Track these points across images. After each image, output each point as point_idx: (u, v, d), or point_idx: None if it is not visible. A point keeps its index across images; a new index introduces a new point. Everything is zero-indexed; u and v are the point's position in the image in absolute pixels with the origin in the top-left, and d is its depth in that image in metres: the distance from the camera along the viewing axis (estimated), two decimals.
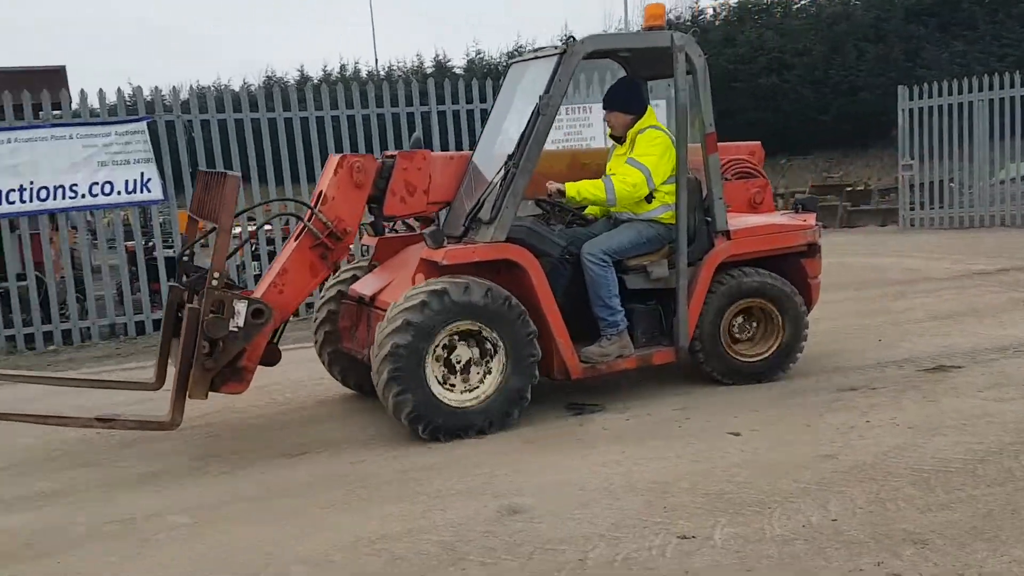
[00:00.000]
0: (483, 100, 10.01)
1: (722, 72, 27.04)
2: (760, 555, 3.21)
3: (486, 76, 15.27)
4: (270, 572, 3.31)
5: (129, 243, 9.25)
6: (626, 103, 5.40)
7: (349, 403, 5.70)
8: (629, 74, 5.79)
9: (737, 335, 5.55)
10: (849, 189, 18.31)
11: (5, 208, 8.32)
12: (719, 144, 5.48)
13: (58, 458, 4.88)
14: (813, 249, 5.74)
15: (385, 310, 4.78)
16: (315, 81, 28.79)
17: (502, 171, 4.99)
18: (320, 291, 5.81)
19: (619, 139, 5.45)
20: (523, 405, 4.90)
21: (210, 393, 4.63)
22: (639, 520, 3.57)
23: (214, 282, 4.50)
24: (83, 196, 8.48)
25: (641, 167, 5.17)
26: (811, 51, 25.93)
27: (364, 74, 35.50)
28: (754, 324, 5.60)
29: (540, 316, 4.94)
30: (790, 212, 6.13)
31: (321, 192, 5.05)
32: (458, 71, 32.91)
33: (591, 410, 5.17)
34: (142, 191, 8.68)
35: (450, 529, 3.59)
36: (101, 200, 8.59)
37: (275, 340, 5.04)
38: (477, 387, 4.84)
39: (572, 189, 5.11)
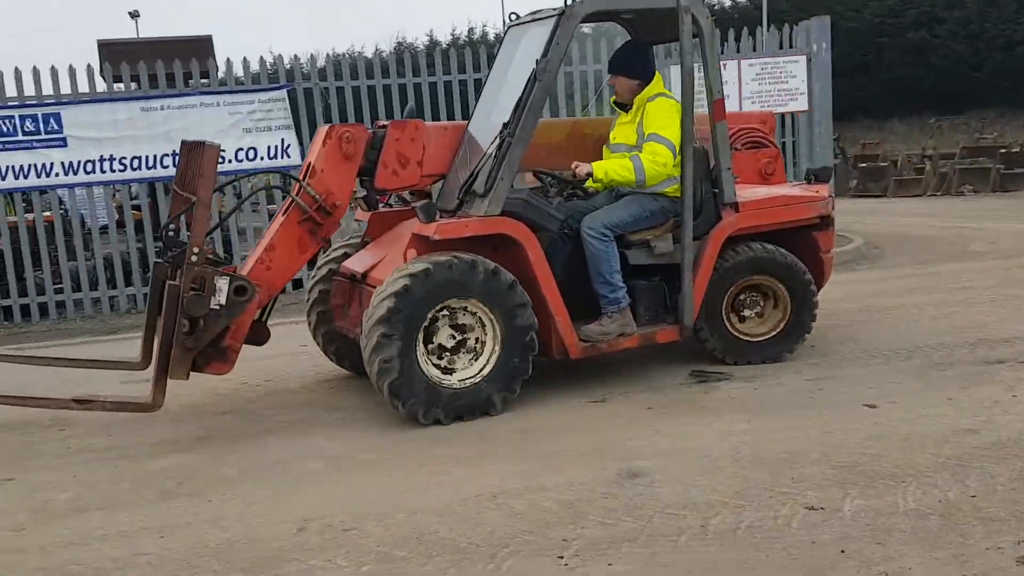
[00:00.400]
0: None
1: (867, 27, 25.75)
2: (892, 528, 3.11)
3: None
4: (400, 516, 3.48)
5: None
6: (632, 68, 5.12)
7: None
8: (633, 37, 5.52)
9: (742, 312, 5.33)
10: (1004, 151, 17.26)
11: (159, 172, 8.85)
12: (727, 113, 5.22)
13: (205, 406, 5.16)
14: (826, 222, 5.48)
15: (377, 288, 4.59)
16: (443, 46, 29.13)
17: (497, 141, 4.76)
18: (309, 270, 5.63)
19: (624, 106, 5.19)
20: (524, 376, 4.70)
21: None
22: (765, 489, 3.51)
23: (193, 258, 4.31)
24: (229, 161, 8.81)
25: (667, 143, 4.89)
26: (964, 3, 24.30)
27: (492, 37, 35.63)
28: (760, 301, 5.36)
29: (537, 293, 4.73)
30: (802, 183, 5.83)
31: (310, 164, 4.85)
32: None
33: (717, 378, 5.08)
34: (282, 156, 9.06)
35: (569, 489, 3.62)
36: (245, 165, 8.95)
37: (263, 319, 4.89)
38: (474, 365, 4.66)
39: (599, 170, 4.88)
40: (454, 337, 4.63)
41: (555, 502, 3.51)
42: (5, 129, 8.44)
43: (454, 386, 4.59)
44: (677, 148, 4.90)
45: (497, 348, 4.63)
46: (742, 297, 5.32)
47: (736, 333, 5.30)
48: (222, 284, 4.37)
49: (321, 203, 4.70)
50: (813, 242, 5.49)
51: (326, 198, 4.73)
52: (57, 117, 8.54)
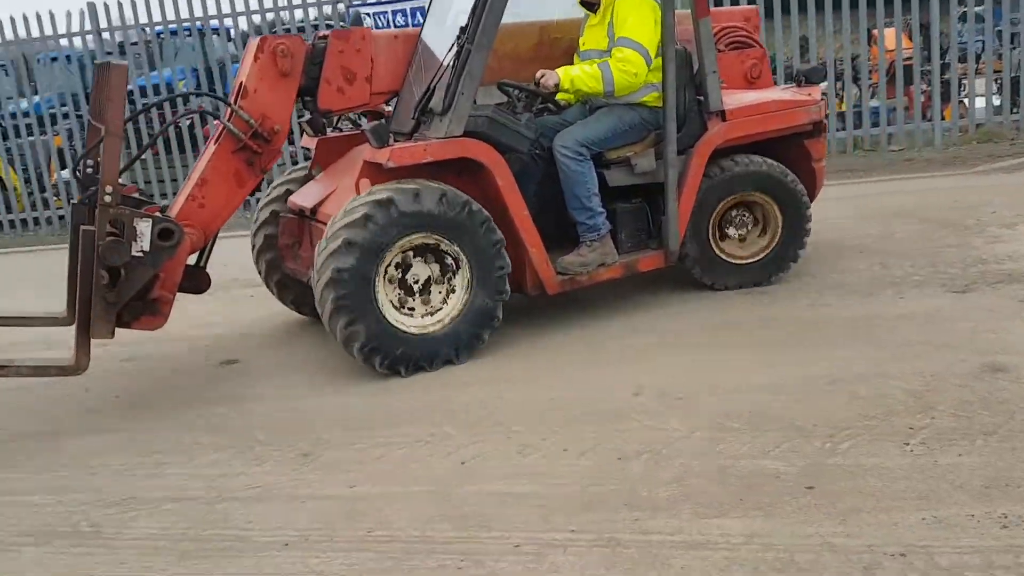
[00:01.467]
0: None
1: None
2: None
3: None
4: (733, 391, 3.55)
5: None
6: None
7: None
8: None
9: (728, 233, 4.88)
10: None
11: None
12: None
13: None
14: (818, 128, 5.03)
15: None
16: None
17: (454, 49, 4.20)
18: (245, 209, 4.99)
19: (591, 5, 4.59)
20: (494, 326, 4.25)
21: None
22: None
23: (107, 198, 3.67)
24: None
25: (637, 47, 4.33)
26: None
27: None
28: (746, 220, 4.92)
29: (508, 223, 4.24)
30: (791, 86, 5.39)
31: (241, 83, 4.19)
32: None
33: None
34: None
35: (918, 378, 3.45)
36: None
37: (202, 263, 4.39)
38: (439, 309, 4.18)
39: (566, 78, 4.31)
40: (417, 279, 4.15)
41: (902, 391, 3.35)
42: (379, 24, 9.13)
43: (420, 329, 4.12)
44: (652, 52, 4.37)
45: (467, 289, 4.16)
46: (730, 215, 4.87)
47: (722, 256, 4.85)
48: (144, 227, 3.76)
49: (256, 128, 4.12)
50: (803, 151, 5.03)
51: (263, 123, 4.14)
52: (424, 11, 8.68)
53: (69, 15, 10.03)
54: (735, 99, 4.86)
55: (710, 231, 4.80)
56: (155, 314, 4.01)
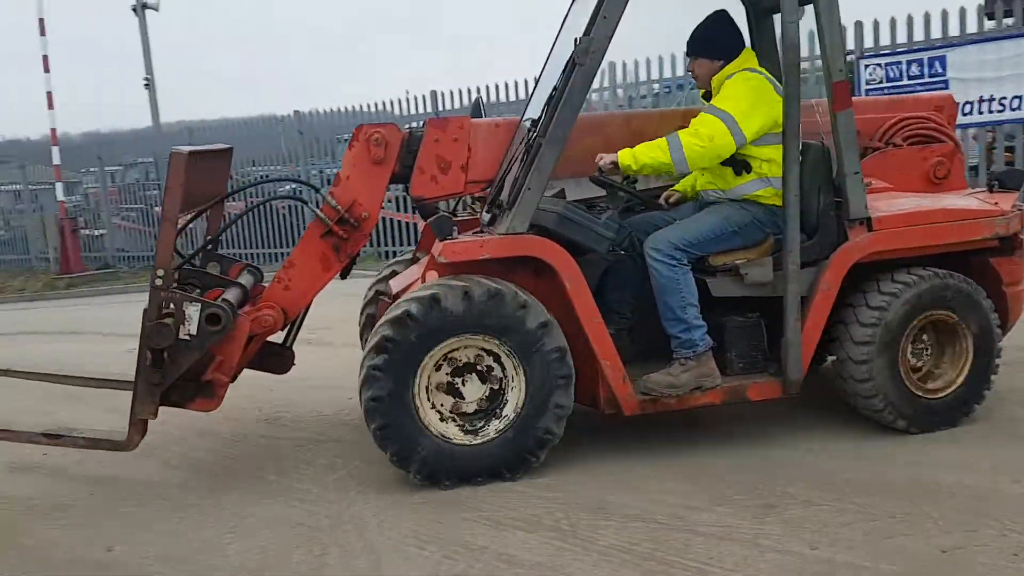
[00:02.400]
0: None
1: None
2: None
3: None
4: None
5: None
6: (711, 45, 4.03)
7: None
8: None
9: (914, 362, 4.08)
10: None
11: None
12: (891, 99, 4.24)
13: None
14: (1009, 245, 4.10)
15: None
16: None
17: (524, 141, 3.95)
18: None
19: (707, 96, 4.09)
20: (551, 443, 3.81)
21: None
22: None
23: (158, 281, 3.72)
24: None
25: (719, 112, 3.81)
26: None
27: None
28: (929, 348, 4.13)
29: (580, 329, 3.81)
30: (983, 190, 4.41)
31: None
32: None
33: None
34: None
35: None
36: None
37: (288, 343, 4.45)
38: (489, 421, 3.81)
39: (627, 156, 3.85)
40: (466, 385, 3.82)
41: None
42: (892, 75, 9.04)
43: (462, 442, 3.79)
44: (747, 126, 3.79)
45: (520, 400, 3.76)
46: (915, 342, 4.08)
47: (916, 390, 4.01)
48: (192, 311, 3.75)
49: (343, 214, 4.11)
50: (991, 272, 4.13)
51: (351, 209, 4.12)
52: (942, 60, 8.72)
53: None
54: (892, 205, 4.11)
55: (900, 361, 3.98)
56: (209, 397, 3.96)
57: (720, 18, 4.08)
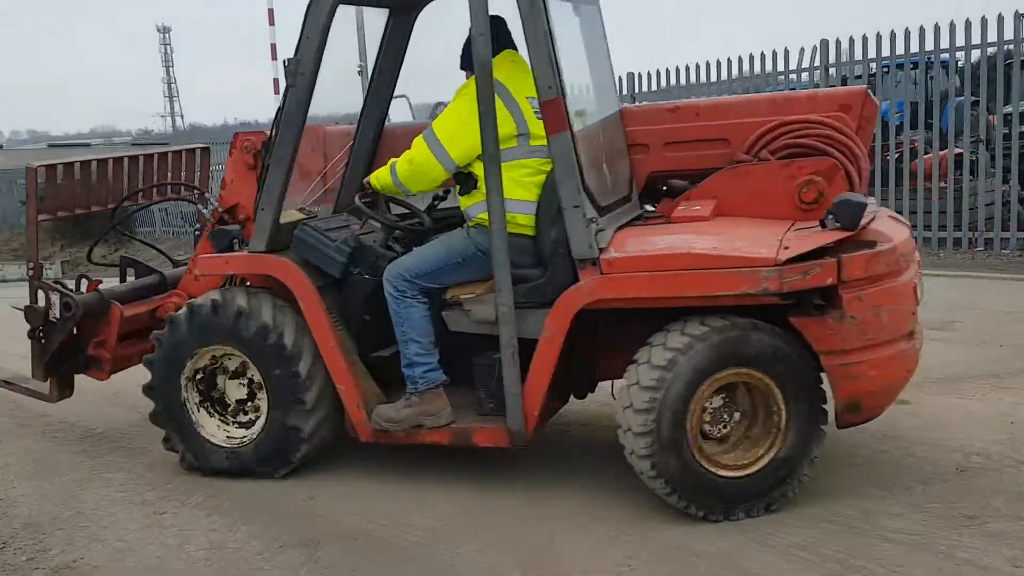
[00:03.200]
0: None
1: None
2: None
3: None
4: None
5: None
6: (464, 57, 3.69)
7: None
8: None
9: (710, 430, 3.35)
10: None
11: None
12: (773, 97, 3.75)
13: None
14: (808, 302, 3.16)
15: None
16: None
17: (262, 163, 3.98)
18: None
19: None
20: (302, 449, 3.88)
21: None
22: None
23: (29, 272, 4.61)
24: None
25: (427, 132, 3.57)
26: None
27: None
28: (731, 413, 3.37)
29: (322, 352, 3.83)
30: (815, 227, 3.29)
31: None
32: None
33: None
34: None
35: None
36: None
37: None
38: (249, 425, 4.07)
39: (373, 178, 3.82)
40: (222, 390, 4.13)
41: None
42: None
43: (224, 442, 4.07)
44: (444, 140, 3.50)
45: (268, 410, 3.92)
46: (713, 406, 3.34)
47: (705, 464, 3.29)
48: (54, 299, 4.57)
49: (223, 215, 4.44)
50: (800, 336, 3.21)
51: (233, 210, 4.42)
52: None
53: (802, 51, 10.78)
54: (643, 244, 3.36)
55: (688, 425, 3.25)
56: (98, 368, 4.68)
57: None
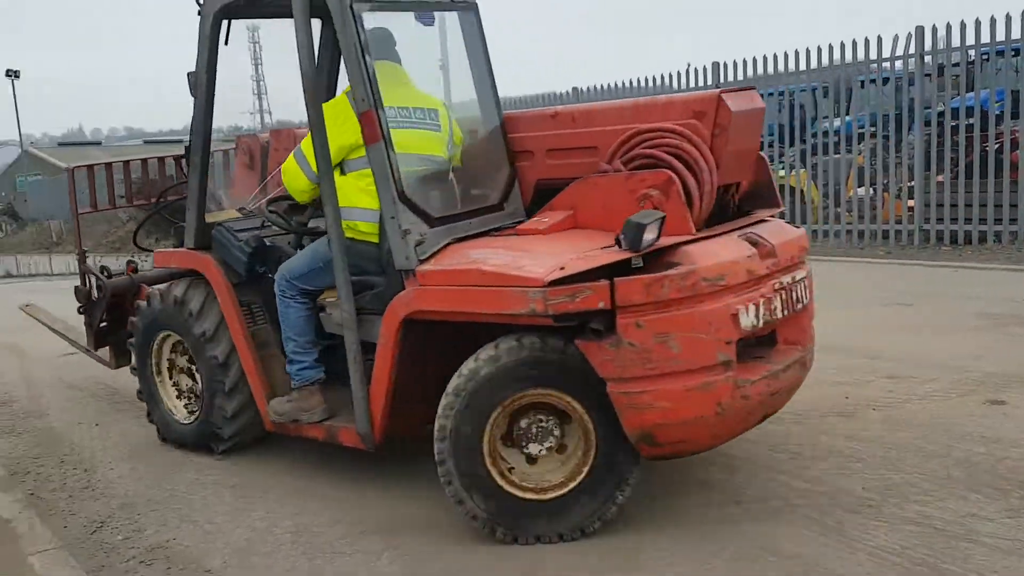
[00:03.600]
0: None
1: None
2: None
3: None
4: None
5: None
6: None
7: None
8: None
9: (527, 449, 3.27)
10: None
11: None
12: (637, 104, 3.56)
13: None
14: (585, 324, 3.02)
15: None
16: None
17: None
18: None
19: None
20: (229, 428, 4.27)
21: None
22: None
23: (77, 258, 5.34)
24: None
25: (296, 146, 3.75)
26: None
27: None
28: (545, 432, 3.24)
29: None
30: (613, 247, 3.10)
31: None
32: None
33: None
34: None
35: None
36: None
37: None
38: (197, 404, 4.48)
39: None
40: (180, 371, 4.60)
41: None
42: None
43: (178, 418, 4.58)
44: (307, 153, 3.56)
45: (201, 392, 4.39)
46: (523, 425, 3.25)
47: (504, 485, 3.23)
48: (94, 281, 5.18)
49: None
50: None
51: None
52: None
53: (896, 39, 10.41)
54: (460, 258, 3.31)
55: (486, 449, 3.21)
56: None
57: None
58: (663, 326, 2.94)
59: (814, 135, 11.36)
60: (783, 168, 11.57)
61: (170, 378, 4.62)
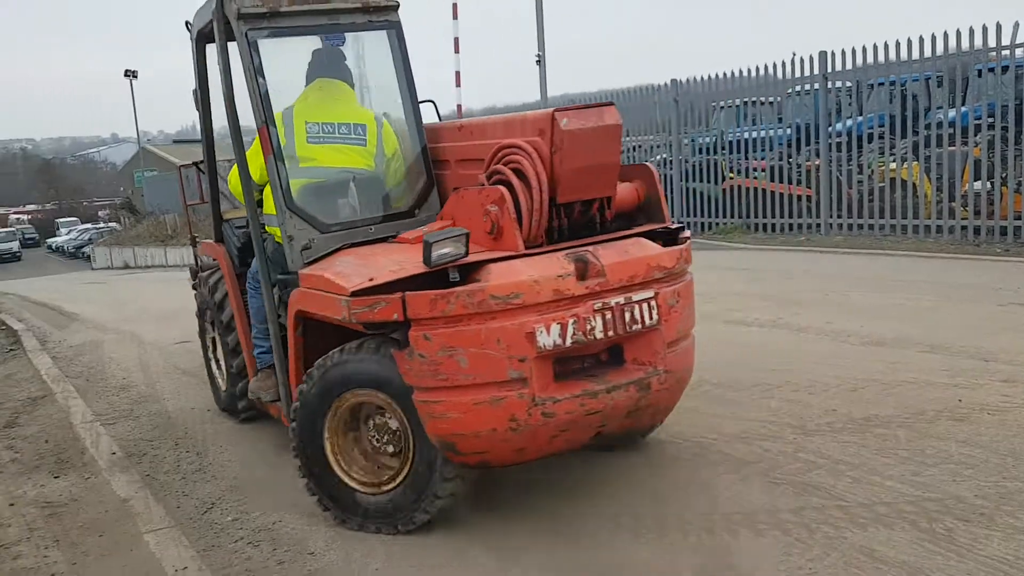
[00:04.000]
0: None
1: None
2: None
3: None
4: None
5: None
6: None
7: None
8: None
9: (374, 446, 3.54)
10: None
11: None
12: (508, 120, 3.58)
13: None
14: (382, 333, 3.27)
15: None
16: None
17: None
18: None
19: None
20: (235, 384, 4.94)
21: None
22: None
23: (189, 244, 6.07)
24: None
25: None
26: None
27: None
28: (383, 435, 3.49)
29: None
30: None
31: None
32: None
33: None
34: None
35: None
36: None
37: None
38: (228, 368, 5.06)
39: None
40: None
41: None
42: None
43: (220, 383, 5.30)
44: (250, 160, 3.83)
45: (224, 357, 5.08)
46: (372, 424, 3.52)
47: (340, 478, 3.55)
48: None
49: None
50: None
51: None
52: None
53: (1016, 25, 9.89)
54: (329, 262, 3.55)
55: (326, 439, 3.52)
56: None
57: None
58: (450, 340, 3.08)
59: (927, 126, 10.89)
60: (893, 161, 11.14)
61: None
